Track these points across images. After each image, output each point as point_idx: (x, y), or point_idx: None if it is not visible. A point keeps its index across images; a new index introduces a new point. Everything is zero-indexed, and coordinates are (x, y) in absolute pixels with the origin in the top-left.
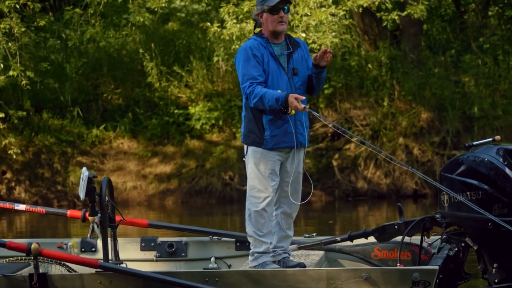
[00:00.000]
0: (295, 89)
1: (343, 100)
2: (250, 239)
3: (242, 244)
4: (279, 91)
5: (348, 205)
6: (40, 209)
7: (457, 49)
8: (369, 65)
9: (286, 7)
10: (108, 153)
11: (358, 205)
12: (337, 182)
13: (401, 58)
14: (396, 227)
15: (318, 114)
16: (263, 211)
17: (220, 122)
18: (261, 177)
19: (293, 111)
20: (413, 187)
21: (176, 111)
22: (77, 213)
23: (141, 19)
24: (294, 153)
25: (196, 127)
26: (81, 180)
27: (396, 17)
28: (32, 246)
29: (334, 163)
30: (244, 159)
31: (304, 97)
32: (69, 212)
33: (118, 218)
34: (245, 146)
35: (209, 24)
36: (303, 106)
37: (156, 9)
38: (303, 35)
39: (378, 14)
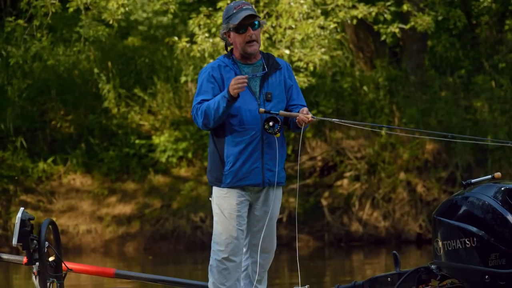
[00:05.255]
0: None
1: (334, 129)
2: None
3: None
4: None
5: (340, 252)
6: None
7: (468, 68)
8: (365, 88)
9: (256, 22)
10: (57, 191)
11: (352, 252)
12: (327, 224)
13: (402, 79)
14: (389, 279)
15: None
16: (226, 261)
17: (189, 155)
18: (225, 219)
19: (278, 134)
20: (416, 230)
21: (137, 141)
22: None
23: (95, 34)
24: (265, 193)
25: (161, 160)
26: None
27: (397, 30)
28: None
29: (324, 202)
30: (210, 199)
31: (246, 75)
32: (25, 259)
33: (72, 265)
34: (210, 186)
35: (176, 38)
36: (244, 79)
37: (111, 22)
38: (287, 51)
39: (375, 27)
